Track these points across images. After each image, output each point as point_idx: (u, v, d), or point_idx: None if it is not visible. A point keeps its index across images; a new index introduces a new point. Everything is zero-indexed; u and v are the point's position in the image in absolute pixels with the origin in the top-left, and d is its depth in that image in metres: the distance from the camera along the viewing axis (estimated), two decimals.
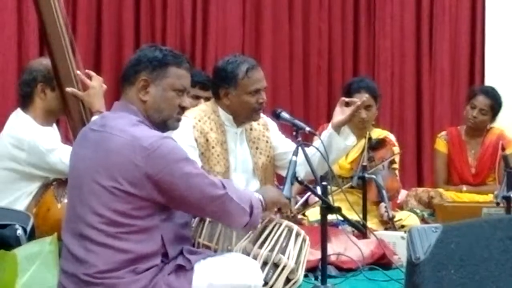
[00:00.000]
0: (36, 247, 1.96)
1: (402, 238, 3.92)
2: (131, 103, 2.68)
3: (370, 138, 4.69)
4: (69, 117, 3.42)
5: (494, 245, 2.20)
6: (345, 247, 3.92)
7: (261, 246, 2.76)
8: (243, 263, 2.67)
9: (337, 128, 3.79)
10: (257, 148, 3.85)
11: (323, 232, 3.22)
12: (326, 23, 6.27)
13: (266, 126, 3.90)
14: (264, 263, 2.72)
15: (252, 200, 2.68)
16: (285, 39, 6.12)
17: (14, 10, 5.17)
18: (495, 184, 5.01)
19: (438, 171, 5.35)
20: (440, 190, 5.09)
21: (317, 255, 3.36)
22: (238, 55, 3.89)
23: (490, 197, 4.80)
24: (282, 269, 2.73)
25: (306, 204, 4.62)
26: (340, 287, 3.50)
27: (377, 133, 4.88)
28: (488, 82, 6.22)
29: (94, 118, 3.23)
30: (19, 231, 2.84)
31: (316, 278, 3.50)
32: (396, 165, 4.78)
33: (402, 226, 4.41)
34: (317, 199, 3.71)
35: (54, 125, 3.57)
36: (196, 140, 3.69)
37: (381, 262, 3.87)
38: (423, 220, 4.78)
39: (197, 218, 2.94)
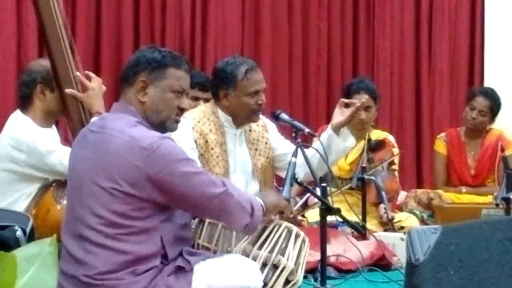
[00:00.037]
0: (36, 248, 1.96)
1: (402, 239, 3.92)
2: (130, 104, 2.69)
3: (369, 140, 4.69)
4: (69, 118, 3.42)
5: (493, 246, 2.20)
6: (344, 249, 3.92)
7: (260, 247, 2.76)
8: (242, 264, 2.67)
9: (337, 129, 3.79)
10: (256, 149, 3.84)
11: (323, 233, 3.21)
12: (326, 22, 6.27)
13: (265, 128, 3.90)
14: (264, 264, 2.72)
15: (253, 202, 2.67)
16: (284, 38, 6.12)
17: (14, 10, 5.18)
18: (495, 185, 5.01)
19: (438, 172, 5.35)
20: (440, 191, 5.08)
21: (317, 256, 3.36)
22: (237, 56, 3.89)
23: (489, 198, 4.81)
24: (282, 270, 2.73)
25: (305, 206, 4.62)
26: None
27: (376, 134, 4.88)
28: (487, 83, 6.22)
29: (93, 119, 3.22)
30: (19, 232, 2.84)
31: (315, 279, 3.50)
32: (395, 167, 4.78)
33: (402, 228, 4.41)
34: (316, 200, 3.71)
35: (54, 126, 3.57)
36: (195, 142, 3.69)
37: (381, 263, 3.87)
38: (422, 221, 4.77)
39: (196, 219, 2.94)
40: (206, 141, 3.72)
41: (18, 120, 3.44)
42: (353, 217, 3.88)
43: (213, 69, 3.93)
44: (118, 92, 2.79)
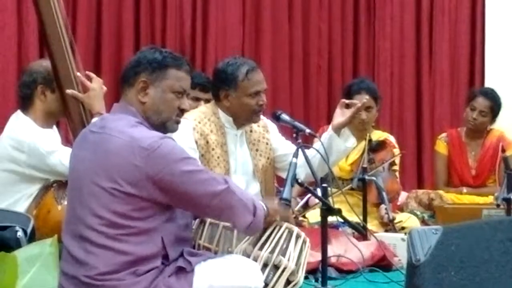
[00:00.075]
0: (36, 249, 1.95)
1: (402, 240, 3.92)
2: (131, 105, 2.69)
3: (370, 140, 4.69)
4: (69, 119, 3.42)
5: (494, 247, 2.20)
6: (345, 249, 3.92)
7: (261, 248, 2.75)
8: (243, 265, 2.66)
9: (337, 130, 3.79)
10: (257, 150, 3.84)
11: (324, 234, 3.22)
12: (326, 23, 6.28)
13: (266, 128, 3.90)
14: (265, 265, 2.72)
15: (255, 201, 2.67)
16: (285, 39, 6.13)
17: (14, 11, 5.18)
18: (495, 186, 5.01)
19: (438, 173, 5.35)
20: (440, 192, 5.08)
21: (318, 257, 3.36)
22: (238, 57, 3.89)
23: (490, 199, 4.81)
24: (283, 271, 2.72)
25: (306, 206, 4.62)
26: None
27: (377, 135, 4.88)
28: (488, 83, 6.22)
29: (94, 119, 3.22)
30: (19, 233, 2.83)
31: (316, 280, 3.49)
32: (396, 167, 4.78)
33: (402, 228, 4.41)
34: (317, 201, 3.71)
35: (54, 127, 3.57)
36: (196, 142, 3.69)
37: (382, 264, 3.87)
38: (423, 222, 4.78)
39: (197, 220, 2.94)
40: (207, 142, 3.71)
41: (19, 120, 3.44)
42: (354, 218, 3.87)
43: (213, 70, 3.93)
44: (119, 93, 2.79)
